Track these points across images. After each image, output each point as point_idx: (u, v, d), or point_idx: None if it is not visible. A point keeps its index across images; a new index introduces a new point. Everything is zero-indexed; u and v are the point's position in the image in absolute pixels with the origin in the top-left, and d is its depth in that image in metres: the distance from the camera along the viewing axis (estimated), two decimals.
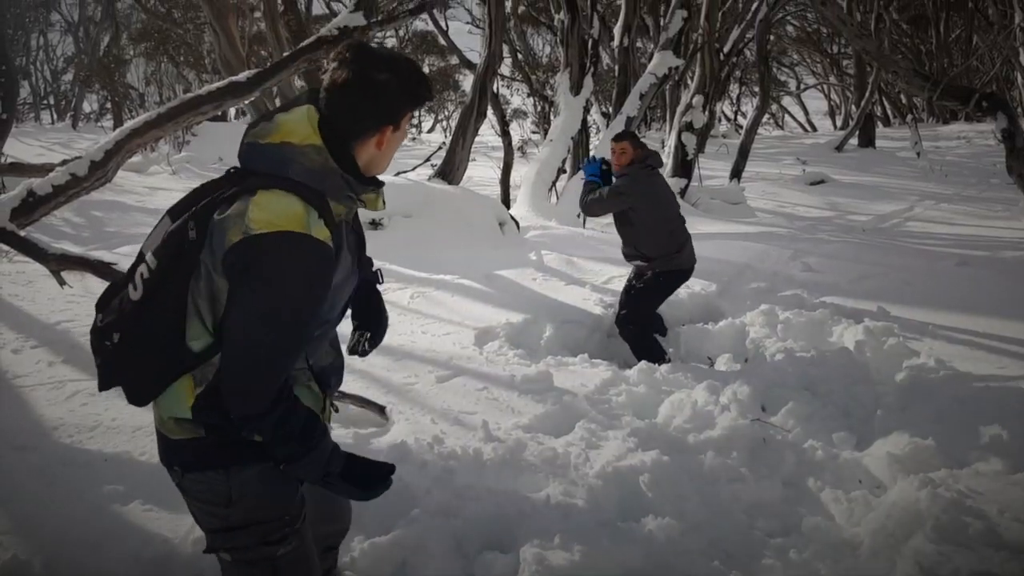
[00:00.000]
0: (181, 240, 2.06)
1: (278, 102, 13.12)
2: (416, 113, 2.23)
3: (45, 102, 41.76)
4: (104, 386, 2.21)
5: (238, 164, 2.18)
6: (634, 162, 6.19)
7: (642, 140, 6.45)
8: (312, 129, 2.10)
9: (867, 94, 24.33)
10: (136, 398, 2.18)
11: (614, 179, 6.27)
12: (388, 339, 5.87)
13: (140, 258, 2.17)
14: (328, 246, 2.05)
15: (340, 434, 4.24)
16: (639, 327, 6.27)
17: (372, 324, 2.77)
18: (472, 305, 7.15)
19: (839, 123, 38.63)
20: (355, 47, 2.18)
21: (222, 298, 2.05)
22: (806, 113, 42.87)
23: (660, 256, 6.19)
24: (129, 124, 6.18)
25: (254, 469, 2.21)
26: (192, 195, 2.19)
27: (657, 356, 6.06)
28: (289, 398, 2.13)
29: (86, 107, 38.14)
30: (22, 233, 5.16)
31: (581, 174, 6.61)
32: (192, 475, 2.22)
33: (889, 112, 36.03)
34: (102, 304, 2.24)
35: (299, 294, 2.02)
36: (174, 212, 2.17)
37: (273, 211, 1.98)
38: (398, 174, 13.13)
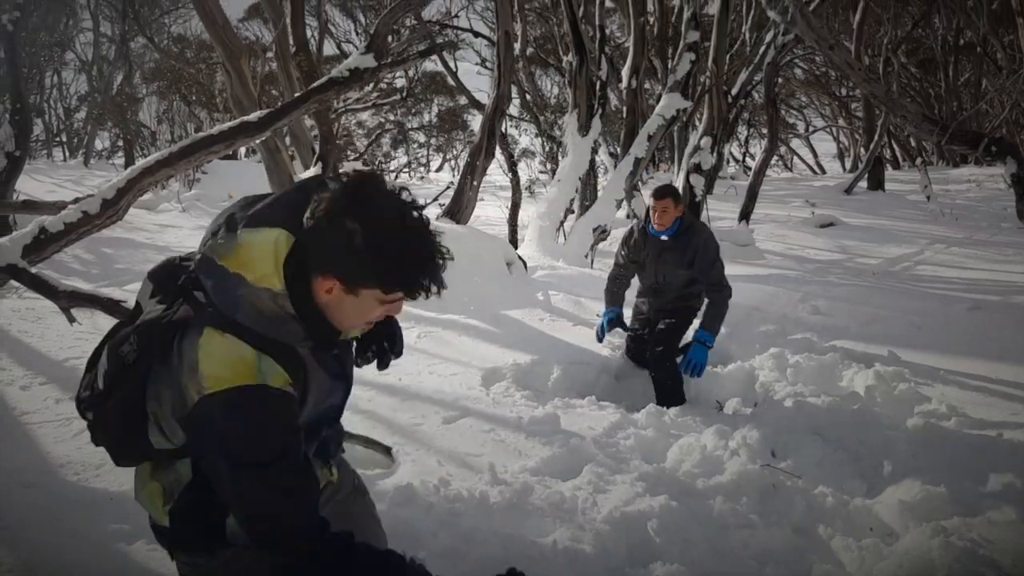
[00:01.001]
0: (122, 357, 1.97)
1: (288, 140, 13.22)
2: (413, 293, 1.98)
3: (58, 139, 42.10)
4: (95, 442, 2.15)
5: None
6: (684, 217, 6.10)
7: (679, 192, 6.36)
8: (274, 267, 1.89)
9: (876, 137, 24.38)
10: (117, 462, 2.15)
11: (662, 238, 6.13)
12: (394, 379, 5.88)
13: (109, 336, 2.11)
14: (286, 393, 1.91)
15: None
16: (676, 364, 6.15)
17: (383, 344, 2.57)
18: (479, 345, 7.14)
19: (848, 166, 38.77)
20: (360, 180, 1.91)
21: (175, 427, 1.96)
22: (815, 155, 43.01)
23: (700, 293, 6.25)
24: (141, 163, 6.23)
25: (231, 551, 2.12)
26: (147, 286, 2.15)
27: (682, 400, 6.04)
28: (334, 543, 1.95)
29: (98, 144, 38.50)
30: (33, 270, 5.18)
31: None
32: (178, 554, 2.19)
33: (899, 155, 36.10)
34: (88, 367, 2.15)
35: (267, 443, 1.86)
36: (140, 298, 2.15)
37: (221, 362, 1.84)
38: None
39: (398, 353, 2.54)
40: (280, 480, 1.86)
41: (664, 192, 6.07)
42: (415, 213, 1.93)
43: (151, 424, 2.01)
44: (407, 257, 1.90)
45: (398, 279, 1.92)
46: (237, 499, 1.89)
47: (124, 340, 1.98)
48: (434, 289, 1.98)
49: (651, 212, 6.11)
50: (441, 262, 1.98)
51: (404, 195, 1.95)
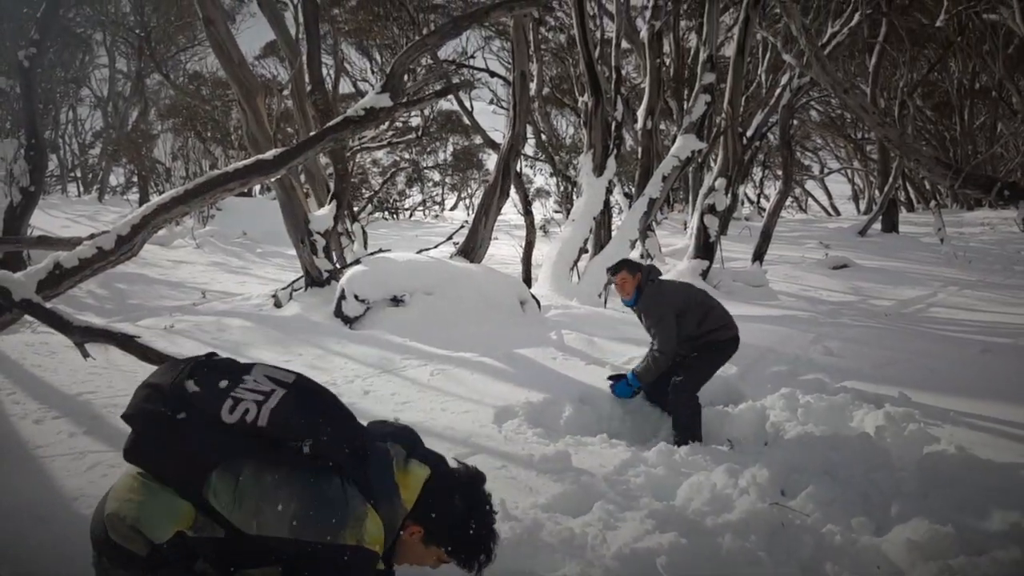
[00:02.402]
0: (291, 440, 2.49)
1: (303, 178, 13.33)
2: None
3: (72, 175, 42.40)
4: (134, 421, 2.53)
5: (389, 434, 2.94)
6: (639, 287, 6.40)
7: (633, 261, 6.68)
8: (414, 499, 2.67)
9: (891, 179, 24.43)
10: (135, 455, 2.51)
11: (632, 306, 6.52)
12: (408, 416, 5.91)
13: (239, 374, 2.61)
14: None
15: None
16: (694, 397, 6.23)
17: None
18: (492, 383, 7.16)
19: (863, 207, 38.80)
20: (476, 476, 2.81)
21: (270, 520, 2.41)
22: (829, 197, 43.06)
23: (710, 331, 6.32)
24: (156, 200, 6.30)
25: (164, 571, 2.46)
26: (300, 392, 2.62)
27: (697, 436, 6.06)
28: None
29: (113, 180, 38.78)
30: (48, 305, 5.24)
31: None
32: (115, 572, 2.52)
33: (913, 197, 36.12)
34: (197, 370, 2.58)
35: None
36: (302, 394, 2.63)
37: (378, 530, 2.51)
38: (420, 251, 13.24)
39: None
40: None
41: (617, 267, 6.56)
42: (494, 514, 2.78)
43: (218, 481, 2.42)
44: (478, 549, 2.68)
45: (464, 558, 2.69)
46: None
47: (297, 430, 2.50)
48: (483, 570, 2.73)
49: (615, 287, 6.56)
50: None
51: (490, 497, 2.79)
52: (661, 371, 6.30)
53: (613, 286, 6.59)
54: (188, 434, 2.40)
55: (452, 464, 2.85)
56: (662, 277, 6.71)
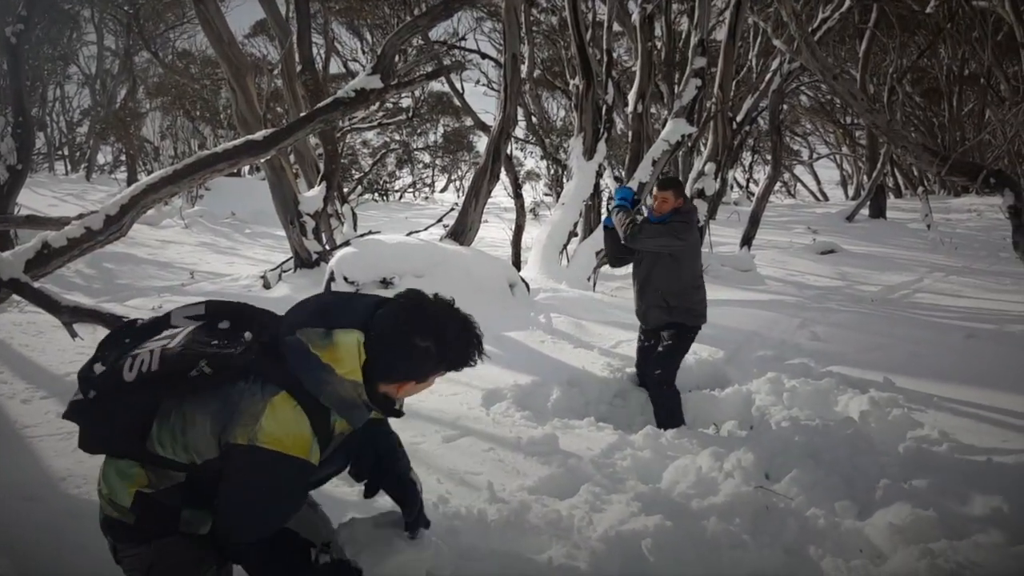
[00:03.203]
0: (188, 369, 2.31)
1: (292, 157, 13.30)
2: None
3: (60, 153, 42.17)
4: (68, 417, 2.48)
5: (277, 326, 2.47)
6: (678, 210, 6.23)
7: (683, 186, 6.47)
8: (358, 365, 2.36)
9: (879, 165, 24.47)
10: (85, 446, 2.48)
11: (647, 220, 6.29)
12: None
13: (151, 333, 2.50)
14: (314, 465, 2.38)
15: (346, 492, 4.26)
16: (674, 387, 6.23)
17: (406, 501, 3.04)
18: (480, 366, 7.15)
19: (851, 193, 38.84)
20: (412, 304, 2.47)
21: (201, 446, 2.36)
22: (818, 182, 43.08)
23: (688, 309, 6.24)
24: (145, 180, 6.29)
25: (172, 538, 2.44)
26: (213, 316, 2.52)
27: (680, 421, 6.09)
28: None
29: (100, 159, 38.55)
30: (36, 285, 5.24)
31: (606, 212, 6.53)
32: (122, 545, 2.48)
33: (901, 183, 36.17)
34: (103, 347, 2.55)
35: (285, 495, 2.39)
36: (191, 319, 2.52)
37: (283, 427, 2.29)
38: (410, 234, 13.24)
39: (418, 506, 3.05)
40: (272, 519, 2.39)
41: (666, 184, 6.35)
42: (461, 313, 2.53)
43: (164, 427, 2.36)
44: (468, 351, 2.51)
45: (461, 366, 2.53)
46: (233, 517, 2.36)
47: (190, 357, 2.33)
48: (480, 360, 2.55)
49: (653, 200, 6.35)
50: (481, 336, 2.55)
51: (448, 300, 2.56)
52: (635, 239, 6.16)
53: (652, 199, 6.38)
54: (105, 409, 2.39)
55: (388, 305, 2.53)
56: None
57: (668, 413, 6.12)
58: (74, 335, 5.23)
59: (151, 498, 2.39)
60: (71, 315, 5.08)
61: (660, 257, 6.22)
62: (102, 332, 5.47)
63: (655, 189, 6.40)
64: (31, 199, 19.90)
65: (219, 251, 17.36)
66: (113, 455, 2.48)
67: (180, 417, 2.36)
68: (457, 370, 2.53)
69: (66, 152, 42.44)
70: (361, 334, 2.38)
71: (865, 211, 25.24)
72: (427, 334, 2.41)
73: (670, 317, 6.25)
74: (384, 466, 3.00)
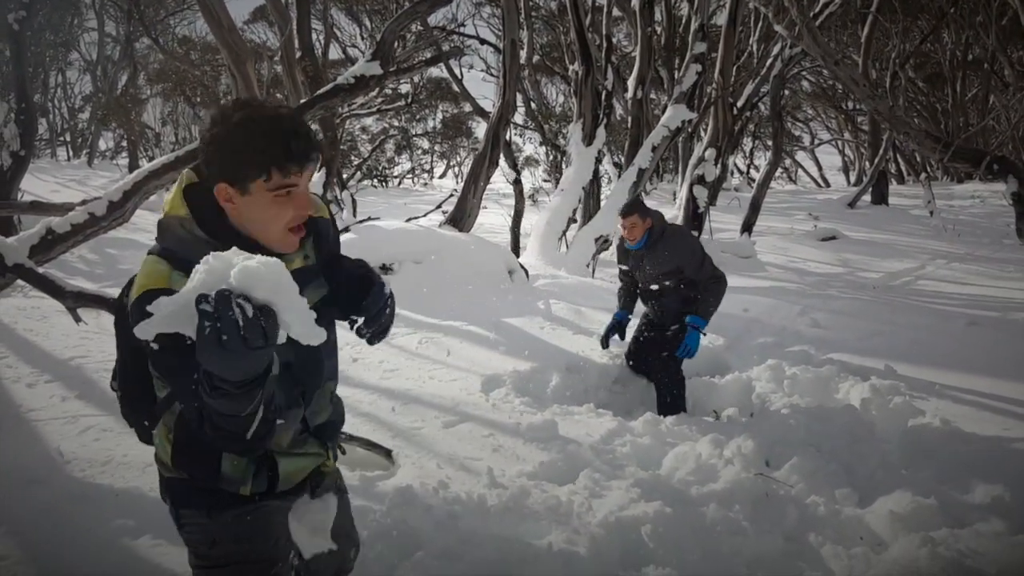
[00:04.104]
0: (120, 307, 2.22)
1: None
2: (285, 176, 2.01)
3: (62, 139, 42.17)
4: (126, 420, 2.43)
5: None
6: (653, 229, 6.20)
7: (645, 204, 6.42)
8: (179, 199, 2.09)
9: (881, 151, 24.42)
10: (141, 437, 2.44)
11: (636, 250, 6.32)
12: (396, 383, 5.95)
13: None
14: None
15: (346, 476, 4.26)
16: (680, 370, 6.24)
17: (365, 311, 2.29)
18: (480, 352, 7.20)
19: (852, 179, 38.80)
20: (224, 106, 2.07)
21: None
22: (820, 168, 43.02)
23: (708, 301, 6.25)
24: (147, 166, 6.30)
25: (231, 513, 2.28)
26: None
27: (683, 407, 6.11)
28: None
29: (102, 145, 38.56)
30: (40, 270, 5.25)
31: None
32: (182, 511, 2.33)
33: (903, 169, 36.12)
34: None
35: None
36: None
37: (143, 275, 1.99)
38: (409, 220, 13.24)
39: (372, 315, 2.28)
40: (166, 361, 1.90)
41: (629, 209, 6.24)
42: (266, 106, 2.05)
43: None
44: (267, 136, 1.97)
45: (268, 158, 1.98)
46: (183, 399, 1.93)
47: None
48: (305, 155, 2.01)
49: (621, 228, 6.29)
50: (298, 132, 2.02)
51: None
52: (723, 295, 6.20)
53: (620, 229, 6.29)
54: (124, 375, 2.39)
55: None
56: None
57: (671, 399, 6.13)
58: (78, 320, 5.24)
59: (180, 441, 2.26)
60: (75, 300, 5.08)
61: (650, 273, 6.30)
62: (106, 317, 5.49)
63: (619, 218, 6.28)
64: (34, 185, 19.87)
65: None
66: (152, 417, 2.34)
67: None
68: (272, 165, 1.97)
69: (68, 138, 42.45)
70: (187, 171, 2.15)
71: (867, 197, 25.21)
72: (223, 124, 1.98)
73: (687, 308, 6.27)
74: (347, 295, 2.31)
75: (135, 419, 2.39)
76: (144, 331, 1.67)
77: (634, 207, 6.26)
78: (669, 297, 6.33)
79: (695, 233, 13.69)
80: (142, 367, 2.19)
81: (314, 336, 1.74)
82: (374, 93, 20.46)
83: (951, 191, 28.06)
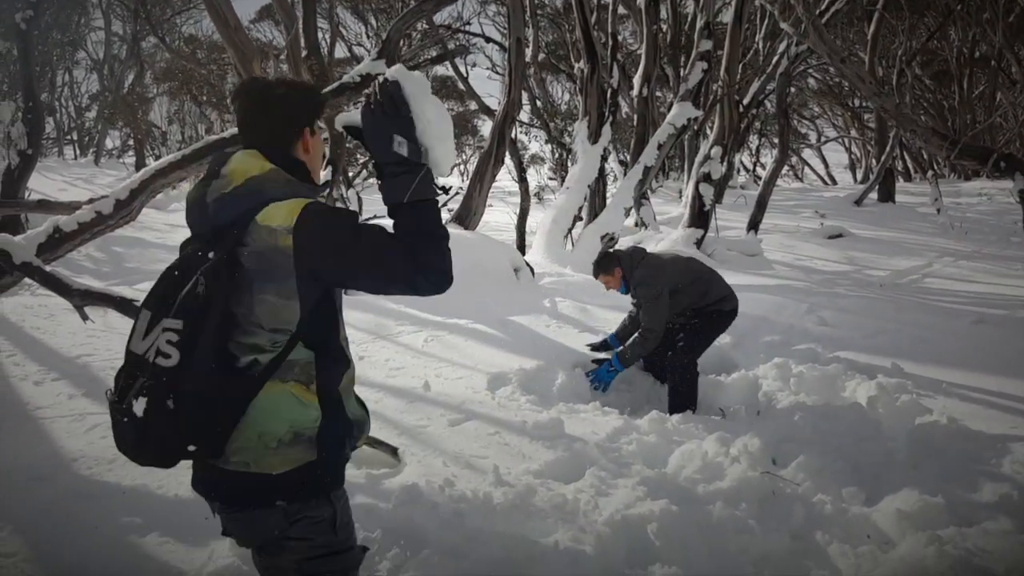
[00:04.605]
0: (196, 295, 2.11)
1: None
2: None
3: (69, 138, 42.24)
4: (173, 459, 2.17)
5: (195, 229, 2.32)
6: (624, 278, 6.42)
7: (606, 257, 6.60)
8: (263, 159, 2.28)
9: (888, 149, 24.34)
10: (216, 446, 2.17)
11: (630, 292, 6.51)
12: (402, 381, 5.95)
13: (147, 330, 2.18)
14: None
15: (352, 474, 4.28)
16: (694, 364, 6.27)
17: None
18: (485, 350, 7.20)
19: (859, 177, 38.70)
20: (246, 82, 2.44)
21: (285, 306, 2.17)
22: (826, 166, 42.96)
23: (716, 301, 6.34)
24: (154, 164, 6.30)
25: (339, 492, 2.35)
26: (171, 273, 2.25)
27: (693, 404, 6.12)
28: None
29: (109, 143, 38.63)
30: (47, 268, 5.25)
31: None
32: (297, 506, 2.24)
33: (910, 167, 36.03)
34: (123, 392, 2.17)
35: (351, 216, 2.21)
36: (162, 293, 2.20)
37: (284, 208, 2.16)
38: None
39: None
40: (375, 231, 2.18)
41: (595, 271, 6.63)
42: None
43: (248, 339, 2.18)
44: (308, 86, 2.54)
45: (321, 99, 2.52)
46: (369, 251, 2.15)
47: (190, 292, 2.12)
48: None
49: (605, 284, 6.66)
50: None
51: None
52: (647, 352, 6.36)
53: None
54: None
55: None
56: (653, 250, 6.72)
57: (684, 393, 6.16)
58: (85, 318, 5.24)
59: (323, 387, 2.28)
60: (82, 298, 5.08)
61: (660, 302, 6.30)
62: (112, 315, 5.51)
63: (599, 278, 6.64)
64: (41, 183, 19.93)
65: None
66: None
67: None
68: (321, 105, 2.52)
69: (75, 137, 42.52)
70: (244, 150, 2.35)
71: (874, 195, 25.15)
72: (274, 86, 2.38)
73: (704, 312, 6.42)
74: None
75: (207, 423, 2.13)
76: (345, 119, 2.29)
77: (597, 268, 6.62)
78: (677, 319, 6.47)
79: (696, 234, 13.69)
80: (219, 351, 2.14)
81: (445, 153, 2.40)
82: None
83: (958, 188, 27.98)
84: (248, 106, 2.36)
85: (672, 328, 6.44)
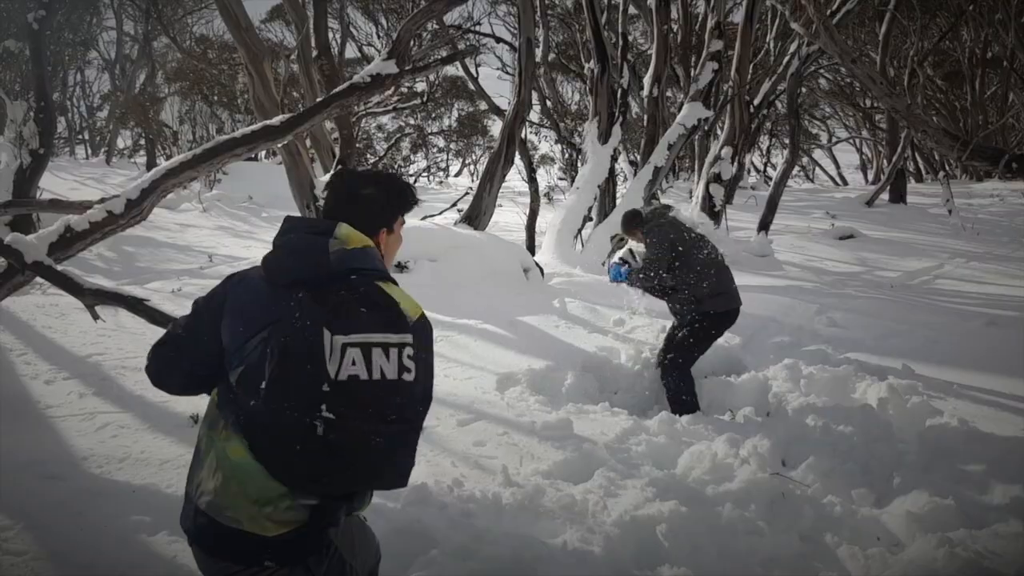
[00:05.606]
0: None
1: (308, 142, 13.31)
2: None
3: (80, 137, 42.35)
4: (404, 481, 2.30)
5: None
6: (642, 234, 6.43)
7: (627, 221, 6.64)
8: (364, 238, 2.38)
9: (899, 149, 24.26)
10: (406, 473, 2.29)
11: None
12: None
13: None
14: None
15: None
16: (685, 373, 6.23)
17: None
18: (495, 350, 7.20)
19: (870, 178, 38.54)
20: (340, 172, 2.56)
21: None
22: (837, 167, 42.81)
23: (705, 298, 6.23)
24: (165, 164, 6.30)
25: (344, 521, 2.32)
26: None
27: (690, 408, 6.07)
28: None
29: (120, 143, 38.71)
30: (59, 267, 5.27)
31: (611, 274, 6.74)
32: (311, 558, 2.24)
33: (921, 168, 35.89)
34: (345, 400, 2.14)
35: None
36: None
37: (408, 299, 2.35)
38: (424, 218, 13.25)
39: None
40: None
41: (623, 230, 6.73)
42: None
43: None
44: (404, 186, 2.58)
45: (410, 199, 2.58)
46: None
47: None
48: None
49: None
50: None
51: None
52: (641, 286, 6.46)
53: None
54: None
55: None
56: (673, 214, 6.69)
57: (679, 401, 6.11)
58: (96, 317, 5.26)
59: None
60: (93, 297, 5.10)
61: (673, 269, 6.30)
62: (123, 314, 5.53)
63: (624, 233, 6.75)
64: (53, 183, 19.94)
65: (237, 235, 17.38)
66: None
67: None
68: (407, 208, 2.59)
69: (87, 136, 42.61)
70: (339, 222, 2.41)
71: (885, 196, 25.08)
72: (368, 183, 2.51)
73: (672, 302, 6.42)
74: None
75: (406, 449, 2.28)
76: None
77: (624, 227, 6.73)
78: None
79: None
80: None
81: None
82: (390, 92, 20.51)
83: (970, 190, 27.89)
84: (338, 196, 2.49)
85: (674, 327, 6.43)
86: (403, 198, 2.56)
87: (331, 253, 2.28)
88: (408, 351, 2.18)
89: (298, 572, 2.21)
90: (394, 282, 2.36)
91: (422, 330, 2.29)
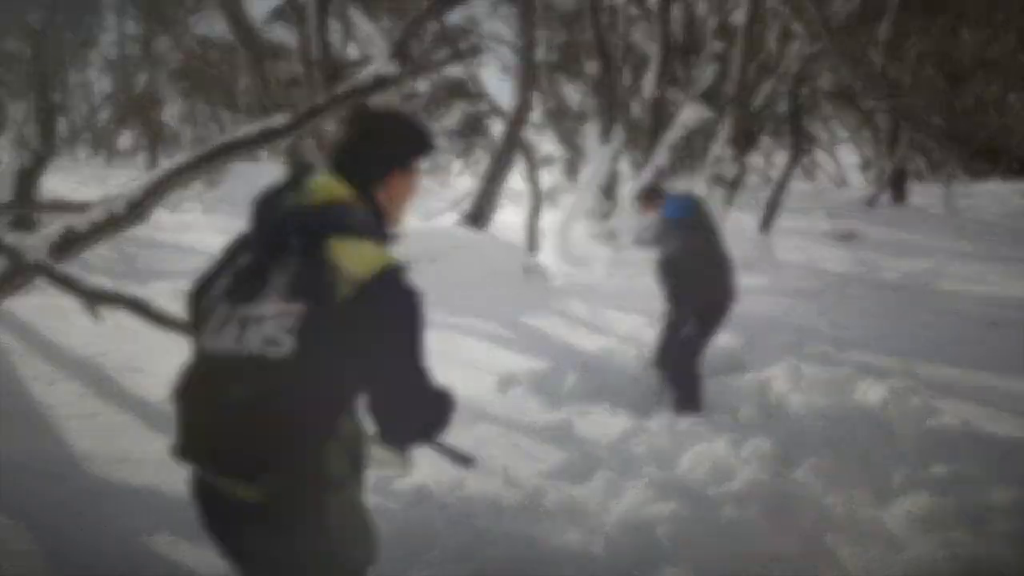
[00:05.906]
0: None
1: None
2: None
3: (81, 137, 42.36)
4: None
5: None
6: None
7: (647, 192, 6.66)
8: (346, 188, 2.20)
9: (900, 150, 24.23)
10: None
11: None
12: None
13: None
14: None
15: None
16: (693, 368, 6.20)
17: None
18: (495, 350, 7.20)
19: (871, 178, 38.52)
20: (362, 109, 2.39)
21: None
22: (838, 167, 42.77)
23: (697, 288, 6.22)
24: (167, 165, 6.31)
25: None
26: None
27: (694, 407, 6.05)
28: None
29: (121, 143, 38.70)
30: (59, 268, 5.28)
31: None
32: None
33: (923, 168, 35.84)
34: (217, 386, 2.15)
35: None
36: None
37: (378, 254, 2.23)
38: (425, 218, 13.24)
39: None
40: None
41: (641, 196, 6.74)
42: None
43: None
44: (419, 126, 2.44)
45: (428, 142, 2.42)
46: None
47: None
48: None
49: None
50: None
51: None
52: (636, 245, 6.66)
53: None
54: None
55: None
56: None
57: (684, 399, 6.08)
58: (97, 318, 5.27)
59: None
60: (94, 298, 5.11)
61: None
62: (124, 315, 5.52)
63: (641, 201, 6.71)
64: (54, 183, 19.95)
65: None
66: None
67: None
68: (425, 151, 2.43)
69: (88, 136, 42.63)
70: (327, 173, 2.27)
71: (886, 196, 25.03)
72: (384, 119, 2.45)
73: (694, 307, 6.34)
74: None
75: (301, 439, 2.10)
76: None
77: (644, 195, 6.72)
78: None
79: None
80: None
81: None
82: (391, 92, 20.52)
83: (971, 190, 27.85)
84: (354, 131, 2.33)
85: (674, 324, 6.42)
86: (424, 134, 2.42)
87: (282, 211, 2.18)
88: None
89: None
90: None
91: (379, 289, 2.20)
